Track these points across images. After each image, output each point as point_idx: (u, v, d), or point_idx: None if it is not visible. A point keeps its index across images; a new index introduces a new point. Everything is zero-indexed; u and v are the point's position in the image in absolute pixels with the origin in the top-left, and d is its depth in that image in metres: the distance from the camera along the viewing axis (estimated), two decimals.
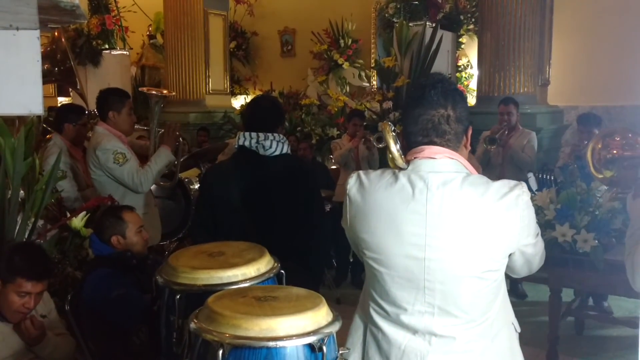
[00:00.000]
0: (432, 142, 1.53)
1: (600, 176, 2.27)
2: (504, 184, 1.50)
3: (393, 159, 1.54)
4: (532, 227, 1.54)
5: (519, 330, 1.66)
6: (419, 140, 1.55)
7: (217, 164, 3.22)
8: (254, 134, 2.52)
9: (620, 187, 2.42)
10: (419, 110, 1.54)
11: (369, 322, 1.62)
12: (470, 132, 1.61)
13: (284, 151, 2.56)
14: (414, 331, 1.53)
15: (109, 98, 3.57)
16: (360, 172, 1.62)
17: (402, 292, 1.52)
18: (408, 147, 1.58)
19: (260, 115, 2.60)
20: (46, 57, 3.86)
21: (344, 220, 1.65)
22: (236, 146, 2.60)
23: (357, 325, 1.67)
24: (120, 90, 3.80)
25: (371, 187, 1.56)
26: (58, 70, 3.90)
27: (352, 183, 1.61)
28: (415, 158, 1.54)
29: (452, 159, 1.53)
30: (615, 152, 2.20)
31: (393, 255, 1.51)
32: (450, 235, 1.47)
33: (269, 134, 2.52)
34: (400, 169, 1.55)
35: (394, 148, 1.54)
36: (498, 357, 1.55)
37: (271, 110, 2.65)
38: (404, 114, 1.62)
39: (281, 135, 2.58)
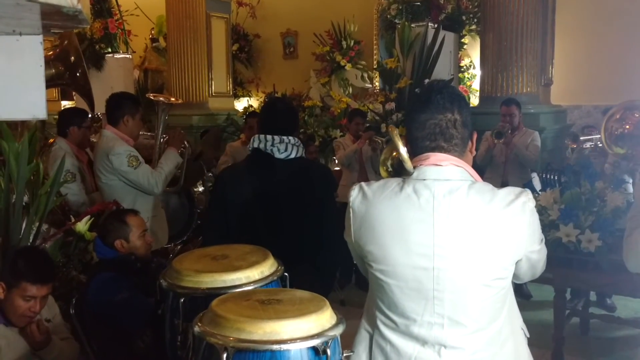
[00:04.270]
0: (439, 147, 1.53)
1: (611, 152, 2.25)
2: (509, 191, 1.50)
3: (403, 161, 1.53)
4: (538, 233, 1.54)
5: (528, 335, 1.65)
6: (426, 145, 1.54)
7: (231, 166, 3.22)
8: (269, 137, 2.51)
9: (633, 162, 2.38)
10: (425, 115, 1.53)
11: (375, 333, 1.60)
12: (475, 137, 1.60)
13: (299, 154, 2.54)
14: (424, 342, 1.51)
15: (126, 102, 3.58)
16: (362, 183, 1.61)
17: (411, 303, 1.51)
18: (413, 153, 1.57)
19: (277, 118, 2.58)
20: (58, 59, 3.85)
21: (347, 233, 1.63)
22: (250, 148, 2.59)
23: (363, 336, 1.64)
24: (134, 95, 3.83)
25: (375, 197, 1.54)
26: (70, 74, 3.88)
27: (354, 195, 1.59)
28: (420, 165, 1.53)
29: (458, 166, 1.52)
30: (628, 127, 2.17)
31: (401, 266, 1.49)
32: (458, 244, 1.46)
33: (284, 137, 2.51)
34: (398, 175, 1.55)
35: (404, 151, 1.54)
36: None
37: (287, 113, 2.63)
38: (408, 119, 1.60)
39: (296, 139, 2.56)
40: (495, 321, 1.52)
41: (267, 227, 2.49)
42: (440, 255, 1.46)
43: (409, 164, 1.53)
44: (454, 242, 1.46)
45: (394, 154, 1.74)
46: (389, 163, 1.78)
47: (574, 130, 5.80)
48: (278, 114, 2.60)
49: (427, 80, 6.08)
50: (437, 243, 1.46)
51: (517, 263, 1.54)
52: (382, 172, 1.69)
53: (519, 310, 1.65)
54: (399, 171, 1.70)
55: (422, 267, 1.47)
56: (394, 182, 1.55)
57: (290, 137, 2.53)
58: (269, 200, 2.50)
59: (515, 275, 1.58)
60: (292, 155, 2.52)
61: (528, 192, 1.51)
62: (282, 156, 2.51)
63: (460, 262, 1.46)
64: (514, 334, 1.58)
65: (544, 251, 1.61)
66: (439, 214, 1.46)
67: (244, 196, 2.51)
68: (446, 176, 1.50)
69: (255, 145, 2.53)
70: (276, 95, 8.23)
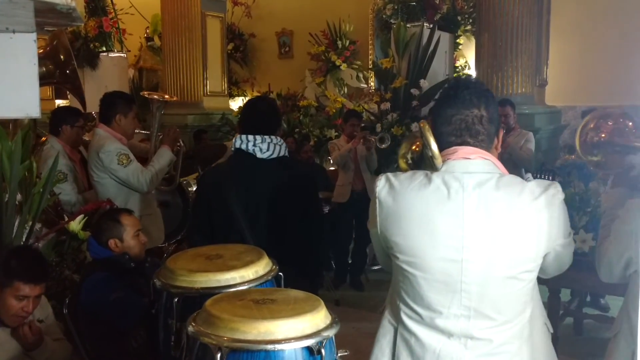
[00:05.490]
0: (465, 143, 1.52)
1: (586, 159, 2.27)
2: (538, 184, 1.50)
3: (433, 157, 1.51)
4: (566, 226, 1.54)
5: (551, 330, 1.66)
6: (451, 141, 1.54)
7: (214, 167, 3.21)
8: (250, 137, 2.51)
9: (606, 171, 2.41)
10: (451, 110, 1.53)
11: (399, 326, 1.58)
12: (501, 134, 1.60)
13: (282, 154, 2.54)
14: (449, 335, 1.50)
15: (118, 101, 3.59)
16: (389, 174, 1.59)
17: (438, 295, 1.49)
18: (439, 148, 1.56)
19: (258, 118, 2.58)
20: (48, 57, 3.82)
21: (372, 224, 1.60)
22: (232, 149, 2.59)
23: (386, 329, 1.62)
24: (127, 94, 3.82)
25: (402, 189, 1.53)
26: (60, 72, 3.85)
27: (381, 186, 1.56)
28: (448, 159, 1.53)
29: (486, 159, 1.52)
30: (603, 135, 2.19)
31: (429, 258, 1.48)
32: (488, 236, 1.45)
33: (266, 137, 2.50)
34: (418, 168, 1.54)
35: (434, 146, 1.52)
36: (532, 358, 1.54)
37: (269, 112, 2.63)
38: (434, 114, 1.59)
39: (278, 138, 2.56)
40: (522, 314, 1.51)
41: (251, 228, 2.48)
42: (469, 247, 1.45)
43: (439, 160, 1.51)
44: (483, 234, 1.45)
45: (413, 147, 1.74)
46: (408, 156, 1.78)
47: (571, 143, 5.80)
48: (259, 114, 2.60)
49: (422, 81, 6.10)
50: (466, 235, 1.45)
51: (544, 257, 1.53)
52: (402, 164, 1.68)
53: (543, 306, 1.64)
54: (418, 163, 1.69)
55: (451, 259, 1.46)
56: (422, 174, 1.54)
57: (273, 137, 2.52)
58: (252, 201, 2.50)
59: (541, 270, 1.57)
60: (275, 155, 2.51)
61: (557, 185, 1.51)
62: (264, 156, 2.50)
63: (489, 254, 1.45)
64: (538, 329, 1.58)
65: (572, 245, 1.60)
66: (468, 205, 1.46)
67: (227, 197, 2.50)
68: (475, 169, 1.50)
69: (238, 145, 2.53)
70: (270, 94, 8.23)
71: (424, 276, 1.49)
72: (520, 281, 1.48)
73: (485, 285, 1.47)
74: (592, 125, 2.21)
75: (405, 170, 1.70)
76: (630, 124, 2.16)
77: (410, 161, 1.98)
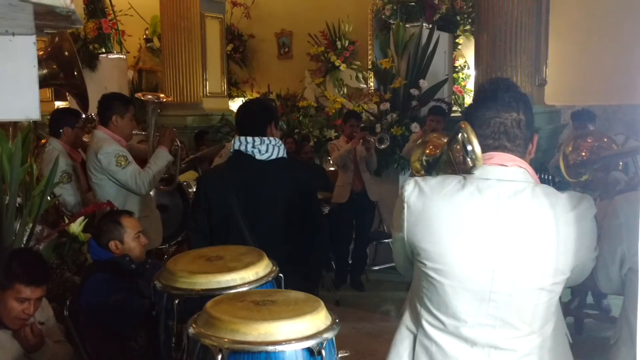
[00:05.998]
0: (502, 147, 1.50)
1: (574, 181, 2.28)
2: (572, 196, 1.48)
3: (475, 159, 1.46)
4: (595, 240, 1.52)
5: (571, 341, 1.64)
6: (489, 144, 1.50)
7: (212, 168, 3.22)
8: (249, 139, 2.52)
9: (593, 189, 2.41)
10: (490, 112, 1.50)
11: (419, 333, 1.55)
12: (536, 139, 1.57)
13: (280, 155, 2.55)
14: (473, 344, 1.48)
15: (114, 102, 3.61)
16: (417, 178, 1.55)
17: (464, 304, 1.46)
18: None
19: (250, 120, 2.60)
20: (51, 58, 3.81)
21: (398, 229, 1.55)
22: (232, 150, 2.60)
23: (404, 335, 1.59)
24: (124, 95, 3.84)
25: (433, 194, 1.49)
26: (65, 74, 3.85)
27: (410, 190, 1.52)
28: (483, 164, 1.49)
29: (522, 167, 1.50)
30: (584, 154, 2.20)
31: (458, 266, 1.45)
32: (520, 247, 1.43)
33: (265, 138, 2.52)
34: (432, 169, 1.52)
35: (478, 148, 1.47)
36: None
37: (259, 113, 2.64)
38: (471, 116, 1.55)
39: (277, 139, 2.57)
40: (547, 325, 1.50)
41: (251, 229, 2.49)
42: (501, 257, 1.43)
43: (480, 162, 1.46)
44: (516, 244, 1.43)
45: (427, 151, 1.73)
46: (423, 158, 1.78)
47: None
48: (252, 116, 2.61)
49: (421, 81, 6.10)
50: (499, 244, 1.43)
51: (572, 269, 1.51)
52: (417, 165, 1.67)
53: (563, 317, 1.63)
54: (433, 166, 1.68)
55: (481, 268, 1.44)
56: (455, 179, 1.51)
57: (272, 138, 2.54)
58: (252, 202, 2.51)
59: None
60: (274, 156, 2.52)
61: (590, 199, 1.49)
62: (263, 157, 2.51)
63: (520, 265, 1.44)
64: (560, 339, 1.57)
65: (595, 260, 1.58)
66: (503, 214, 1.43)
67: (227, 198, 2.51)
68: (511, 177, 1.47)
69: (236, 147, 2.54)
70: (269, 95, 8.23)
71: (451, 284, 1.46)
72: (549, 293, 1.47)
73: (514, 296, 1.44)
74: (570, 148, 2.22)
75: (419, 172, 1.69)
76: (614, 147, 2.18)
77: (424, 163, 1.98)
